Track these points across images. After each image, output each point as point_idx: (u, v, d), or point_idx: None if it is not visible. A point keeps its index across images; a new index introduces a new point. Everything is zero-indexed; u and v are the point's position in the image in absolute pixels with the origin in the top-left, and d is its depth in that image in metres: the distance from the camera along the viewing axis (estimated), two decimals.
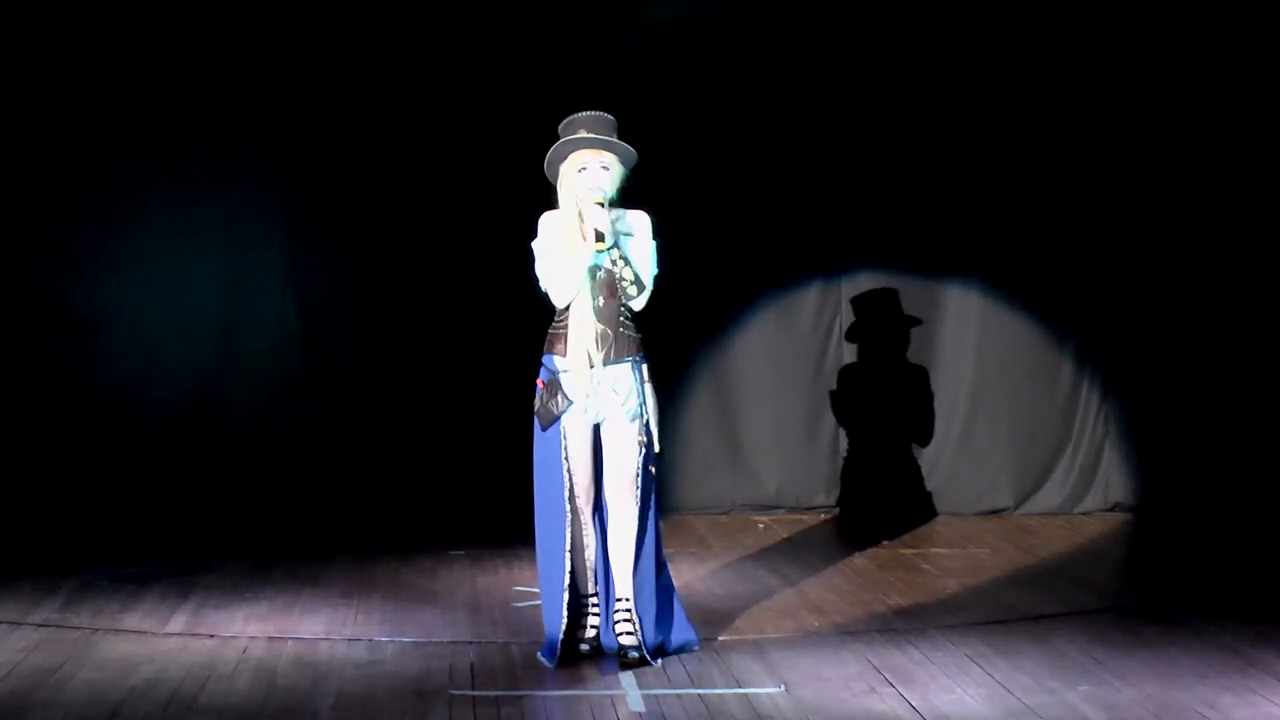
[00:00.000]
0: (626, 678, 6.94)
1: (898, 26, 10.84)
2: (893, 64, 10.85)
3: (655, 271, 7.21)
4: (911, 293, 10.91)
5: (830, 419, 10.95)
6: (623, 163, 7.18)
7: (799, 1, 10.84)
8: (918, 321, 10.92)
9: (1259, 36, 10.77)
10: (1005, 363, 10.98)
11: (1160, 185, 10.91)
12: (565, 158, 7.16)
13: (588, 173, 7.13)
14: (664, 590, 7.34)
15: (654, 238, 7.21)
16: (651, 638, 7.19)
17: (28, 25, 10.38)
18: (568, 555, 7.19)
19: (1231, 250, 10.87)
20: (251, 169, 10.58)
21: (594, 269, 7.12)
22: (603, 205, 7.07)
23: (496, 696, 6.70)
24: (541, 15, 10.61)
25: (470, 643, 7.56)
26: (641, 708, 6.54)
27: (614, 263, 7.10)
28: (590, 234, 7.06)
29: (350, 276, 10.69)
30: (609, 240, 7.05)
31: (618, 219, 7.14)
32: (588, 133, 7.15)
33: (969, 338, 10.96)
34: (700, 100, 10.75)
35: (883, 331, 10.91)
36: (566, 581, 7.18)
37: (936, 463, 10.96)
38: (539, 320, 7.37)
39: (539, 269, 7.19)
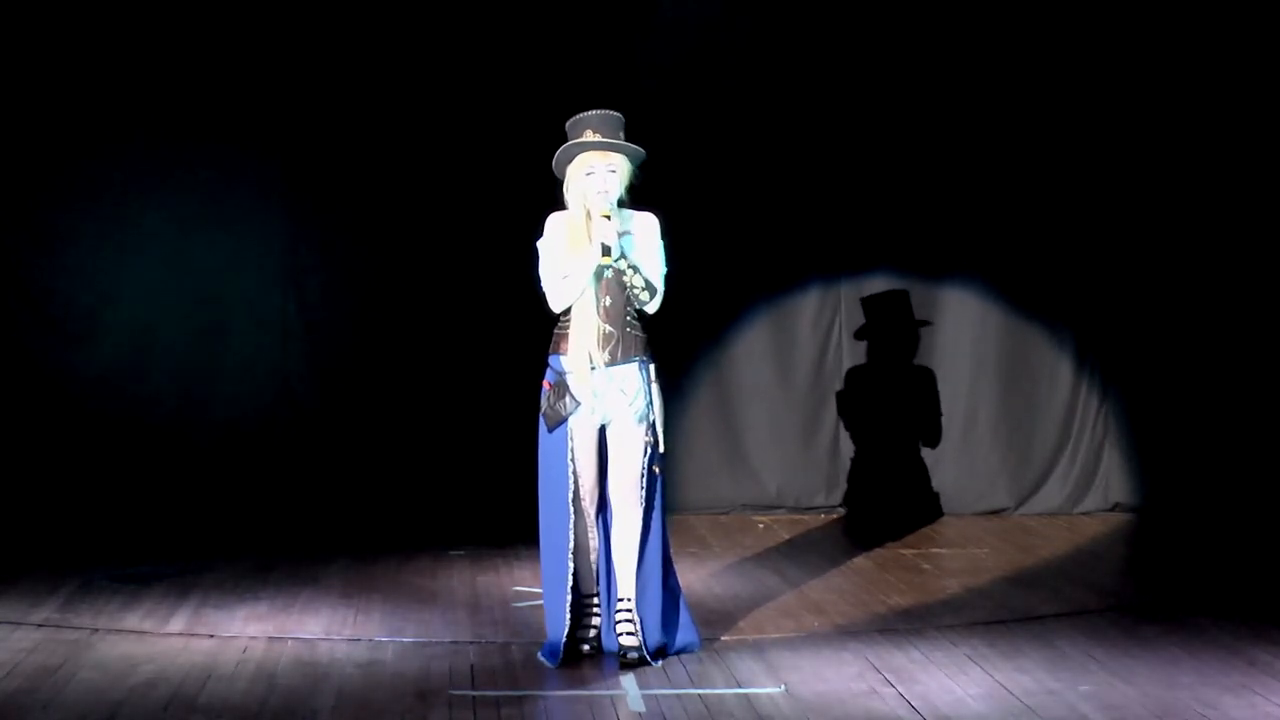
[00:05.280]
0: (627, 678, 6.94)
1: (897, 29, 10.84)
2: (892, 67, 10.84)
3: (665, 271, 7.20)
4: (911, 293, 10.91)
5: (830, 419, 10.94)
6: (630, 161, 7.17)
7: (799, 6, 10.84)
8: (918, 322, 10.91)
9: (1259, 36, 10.77)
10: (1005, 363, 10.98)
11: (1159, 185, 10.91)
12: (572, 159, 7.13)
13: (595, 176, 7.09)
14: (670, 592, 7.33)
15: (662, 238, 7.20)
16: (653, 638, 7.19)
17: (27, 20, 10.37)
18: (571, 557, 7.17)
19: (1231, 250, 10.87)
20: (252, 166, 10.56)
21: (600, 270, 7.10)
22: (609, 218, 7.05)
23: (496, 696, 6.70)
24: (543, 13, 10.60)
25: (470, 643, 7.56)
26: (642, 708, 6.54)
27: (623, 272, 7.08)
28: (596, 245, 7.03)
29: (350, 275, 10.69)
30: (615, 254, 7.02)
31: (625, 221, 7.11)
32: (594, 133, 7.11)
33: (968, 338, 10.96)
34: (701, 101, 10.74)
35: (883, 332, 10.90)
36: (570, 583, 7.17)
37: (937, 463, 10.95)
38: (540, 319, 7.35)
39: (542, 270, 7.17)
